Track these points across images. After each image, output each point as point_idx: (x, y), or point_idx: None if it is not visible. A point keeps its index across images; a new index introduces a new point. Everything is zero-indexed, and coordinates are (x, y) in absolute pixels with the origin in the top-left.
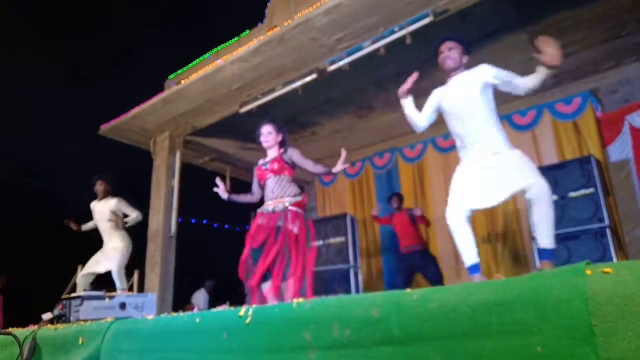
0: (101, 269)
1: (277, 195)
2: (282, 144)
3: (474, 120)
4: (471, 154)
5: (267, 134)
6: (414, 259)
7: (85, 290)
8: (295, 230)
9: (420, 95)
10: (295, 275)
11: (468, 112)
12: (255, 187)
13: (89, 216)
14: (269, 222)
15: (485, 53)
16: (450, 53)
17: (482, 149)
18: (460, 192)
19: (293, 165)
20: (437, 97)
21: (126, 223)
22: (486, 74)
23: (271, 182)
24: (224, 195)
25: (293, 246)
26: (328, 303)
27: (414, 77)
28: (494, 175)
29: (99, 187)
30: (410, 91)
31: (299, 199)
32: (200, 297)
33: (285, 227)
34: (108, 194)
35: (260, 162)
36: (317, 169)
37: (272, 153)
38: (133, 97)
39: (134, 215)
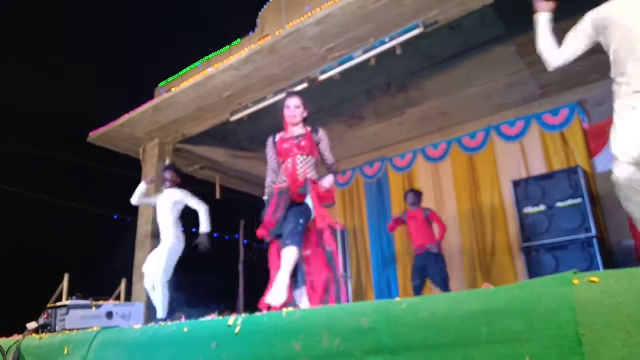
0: (149, 269)
1: (303, 176)
2: (305, 121)
3: None
4: None
5: (295, 108)
6: (425, 261)
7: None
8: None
9: (409, 106)
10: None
11: None
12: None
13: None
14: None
15: (474, 64)
16: None
17: None
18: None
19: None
20: (600, 18)
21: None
22: None
23: (298, 160)
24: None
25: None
26: (318, 312)
27: None
28: None
29: (167, 176)
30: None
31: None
32: None
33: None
34: (175, 184)
35: (282, 135)
36: (331, 167)
37: (298, 129)
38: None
39: (202, 213)
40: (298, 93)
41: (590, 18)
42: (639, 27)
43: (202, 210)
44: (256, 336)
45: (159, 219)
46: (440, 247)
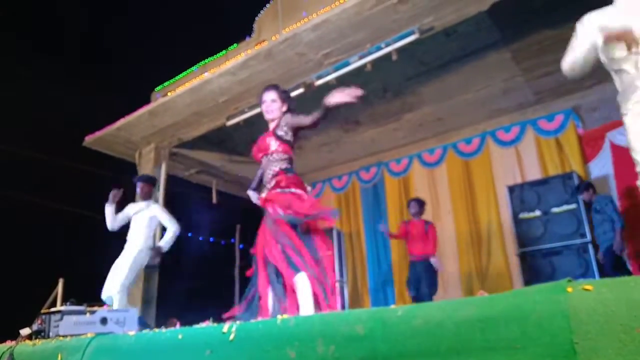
0: (111, 278)
1: (265, 181)
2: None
3: None
4: None
5: (271, 102)
6: (419, 271)
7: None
8: (282, 213)
9: (405, 111)
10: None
11: None
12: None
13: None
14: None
15: (470, 70)
16: None
17: None
18: None
19: (294, 133)
20: (602, 20)
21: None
22: None
23: (264, 163)
24: None
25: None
26: (312, 319)
27: None
28: None
29: (138, 188)
30: None
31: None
32: None
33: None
34: (146, 197)
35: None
36: (312, 117)
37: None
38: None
39: (170, 232)
40: (275, 86)
41: None
42: None
43: (171, 230)
44: (251, 343)
45: (132, 228)
46: (436, 259)
